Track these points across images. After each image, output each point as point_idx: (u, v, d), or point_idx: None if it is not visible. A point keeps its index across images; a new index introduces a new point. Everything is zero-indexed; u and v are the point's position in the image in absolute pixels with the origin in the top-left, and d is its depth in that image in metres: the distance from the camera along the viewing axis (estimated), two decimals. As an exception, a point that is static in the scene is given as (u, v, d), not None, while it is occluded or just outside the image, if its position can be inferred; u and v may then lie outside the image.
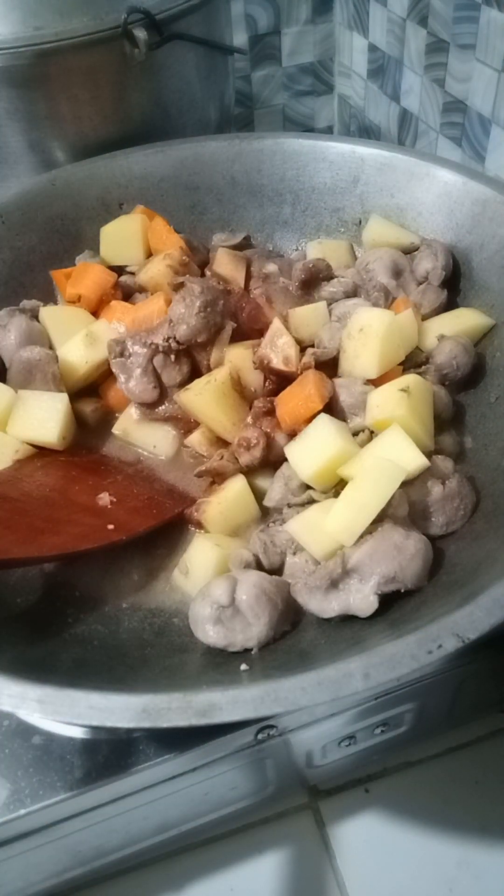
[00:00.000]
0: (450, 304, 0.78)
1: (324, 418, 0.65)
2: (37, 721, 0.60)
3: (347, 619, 0.57)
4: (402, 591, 0.56)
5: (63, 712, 0.44)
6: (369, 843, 0.77)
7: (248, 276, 0.85)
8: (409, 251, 0.82)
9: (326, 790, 0.80)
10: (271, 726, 0.59)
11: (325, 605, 0.57)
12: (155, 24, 0.82)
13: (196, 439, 0.73)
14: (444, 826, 0.78)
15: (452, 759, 0.81)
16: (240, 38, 1.17)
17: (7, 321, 0.77)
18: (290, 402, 0.69)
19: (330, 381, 0.69)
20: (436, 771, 0.81)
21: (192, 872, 0.76)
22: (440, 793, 0.79)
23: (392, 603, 0.57)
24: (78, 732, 0.59)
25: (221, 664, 0.56)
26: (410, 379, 0.66)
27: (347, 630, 0.56)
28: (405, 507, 0.59)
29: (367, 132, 1.22)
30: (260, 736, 0.59)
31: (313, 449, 0.63)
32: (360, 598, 0.56)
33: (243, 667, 0.53)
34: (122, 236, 0.85)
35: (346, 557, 0.57)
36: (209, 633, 0.56)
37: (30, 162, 0.93)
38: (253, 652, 0.56)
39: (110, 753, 0.58)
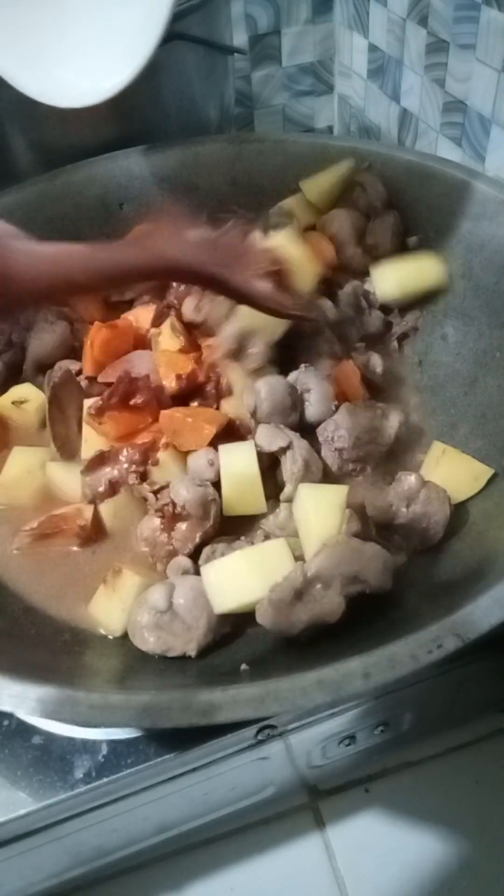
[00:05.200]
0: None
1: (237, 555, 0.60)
2: (37, 721, 0.60)
3: (348, 620, 0.57)
4: (368, 591, 0.55)
5: (63, 712, 0.44)
6: (369, 843, 0.77)
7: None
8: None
9: (326, 790, 0.80)
10: (271, 726, 0.59)
11: (292, 619, 0.54)
12: (155, 24, 0.82)
13: None
14: (444, 826, 0.78)
15: (452, 759, 0.82)
16: (240, 38, 1.17)
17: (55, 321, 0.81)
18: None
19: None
20: (436, 771, 0.81)
21: (192, 872, 0.76)
22: (440, 793, 0.79)
23: (392, 603, 0.57)
24: (78, 732, 0.59)
25: (221, 665, 0.56)
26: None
27: (347, 630, 0.56)
28: (355, 524, 0.59)
29: (367, 132, 1.22)
30: (260, 736, 0.59)
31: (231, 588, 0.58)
32: (327, 601, 0.54)
33: (243, 667, 0.53)
34: None
35: (305, 568, 0.56)
36: (148, 639, 0.56)
37: (30, 162, 0.93)
38: (193, 656, 0.56)
39: (110, 753, 0.58)
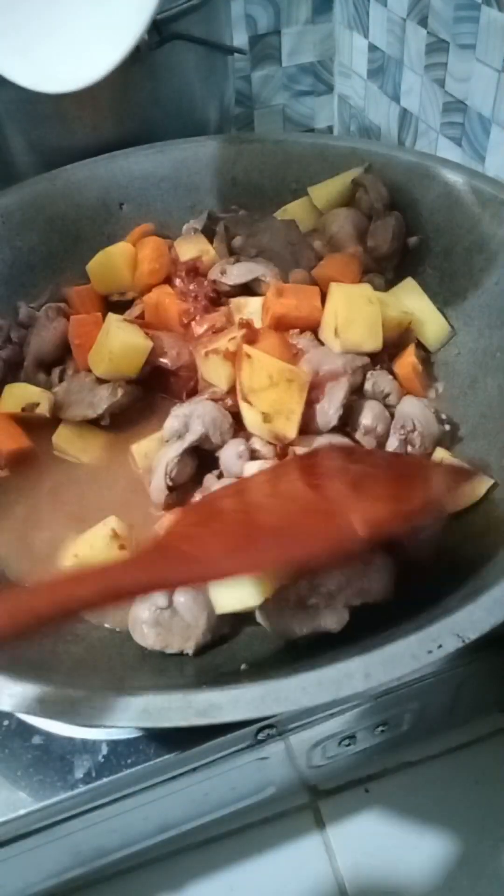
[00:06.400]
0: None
1: None
2: (37, 721, 0.60)
3: (348, 620, 0.57)
4: (371, 603, 0.55)
5: (63, 712, 0.44)
6: (369, 843, 0.77)
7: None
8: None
9: (326, 790, 0.80)
10: (271, 726, 0.59)
11: (294, 625, 0.55)
12: (155, 24, 0.82)
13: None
14: (444, 826, 0.77)
15: (452, 759, 0.81)
16: (240, 38, 1.17)
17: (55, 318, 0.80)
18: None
19: None
20: (436, 771, 0.81)
21: (192, 872, 0.76)
22: (440, 793, 0.79)
23: (392, 603, 0.57)
24: (78, 732, 0.59)
25: (221, 664, 0.56)
26: None
27: (347, 630, 0.56)
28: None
29: (367, 132, 1.22)
30: (260, 736, 0.59)
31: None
32: (330, 612, 0.54)
33: (243, 667, 0.53)
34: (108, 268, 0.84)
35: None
36: (147, 634, 0.56)
37: (30, 162, 0.93)
38: (190, 654, 0.56)
39: (110, 753, 0.58)
